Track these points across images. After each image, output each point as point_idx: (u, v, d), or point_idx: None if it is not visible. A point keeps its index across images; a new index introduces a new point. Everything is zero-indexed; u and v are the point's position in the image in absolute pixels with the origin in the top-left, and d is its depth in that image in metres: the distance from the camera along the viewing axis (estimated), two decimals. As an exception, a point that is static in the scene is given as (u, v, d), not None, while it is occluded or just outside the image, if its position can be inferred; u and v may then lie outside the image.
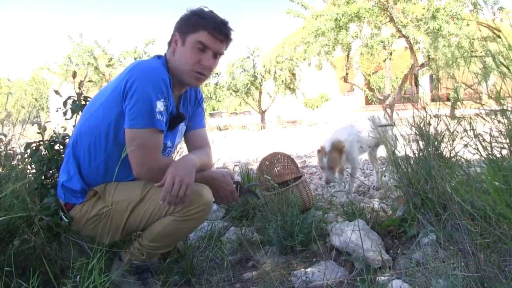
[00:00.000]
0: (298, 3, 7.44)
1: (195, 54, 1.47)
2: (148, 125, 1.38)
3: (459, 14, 5.57)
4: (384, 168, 3.16)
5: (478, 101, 1.37)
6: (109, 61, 13.01)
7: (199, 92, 1.78)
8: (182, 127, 1.67)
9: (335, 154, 2.62)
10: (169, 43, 1.56)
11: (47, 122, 1.83)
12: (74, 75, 1.92)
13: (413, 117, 1.97)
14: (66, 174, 1.51)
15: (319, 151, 2.72)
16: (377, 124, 2.67)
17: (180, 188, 1.33)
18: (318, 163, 2.74)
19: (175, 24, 1.55)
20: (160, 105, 1.39)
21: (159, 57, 1.57)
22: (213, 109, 26.23)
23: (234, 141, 9.02)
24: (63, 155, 1.71)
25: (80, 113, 1.80)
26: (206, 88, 13.53)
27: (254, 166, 4.10)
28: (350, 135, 2.79)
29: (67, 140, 1.79)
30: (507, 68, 1.25)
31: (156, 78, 1.39)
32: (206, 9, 1.52)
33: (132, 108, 1.37)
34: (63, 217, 1.47)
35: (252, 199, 2.36)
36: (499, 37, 1.28)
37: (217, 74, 13.57)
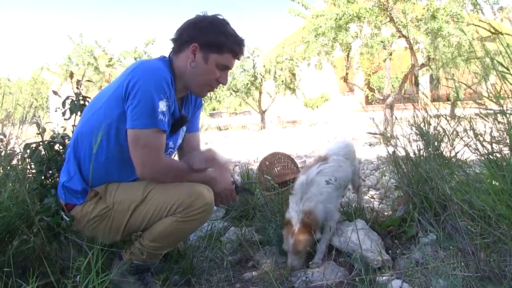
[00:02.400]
0: (299, 2, 7.44)
1: (216, 73, 1.53)
2: (151, 125, 1.38)
3: (458, 14, 5.57)
4: (384, 168, 3.14)
5: (478, 101, 1.37)
6: (109, 61, 12.98)
7: None
8: (183, 128, 1.68)
9: (304, 236, 1.75)
10: (180, 47, 1.52)
11: (46, 123, 1.83)
12: (71, 75, 1.91)
13: (414, 117, 1.97)
14: (66, 174, 1.51)
15: (286, 224, 1.84)
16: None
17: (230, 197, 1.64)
18: (284, 243, 1.82)
19: (189, 30, 1.51)
20: (162, 105, 1.39)
21: (163, 58, 1.57)
22: (213, 109, 26.19)
23: (234, 141, 9.01)
24: (63, 155, 1.72)
25: (79, 113, 1.80)
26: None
27: (254, 166, 4.10)
28: (324, 189, 1.86)
29: (66, 140, 1.79)
30: (507, 68, 1.25)
31: (158, 78, 1.39)
32: (221, 18, 1.53)
33: (134, 108, 1.37)
34: (64, 216, 1.47)
35: (248, 197, 2.36)
36: (501, 34, 1.28)
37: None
